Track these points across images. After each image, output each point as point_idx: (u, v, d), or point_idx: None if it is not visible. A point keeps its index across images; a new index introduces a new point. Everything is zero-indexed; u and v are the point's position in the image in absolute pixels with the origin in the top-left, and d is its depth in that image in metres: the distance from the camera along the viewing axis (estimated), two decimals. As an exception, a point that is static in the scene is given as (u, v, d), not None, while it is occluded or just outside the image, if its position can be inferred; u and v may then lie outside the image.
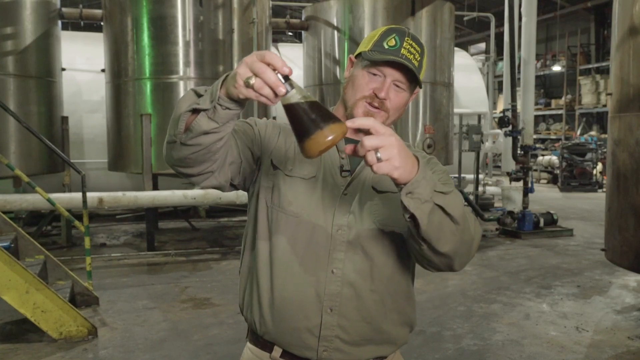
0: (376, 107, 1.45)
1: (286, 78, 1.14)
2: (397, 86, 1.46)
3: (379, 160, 1.14)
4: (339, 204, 1.47)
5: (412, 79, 1.46)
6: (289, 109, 1.16)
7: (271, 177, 1.51)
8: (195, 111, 1.25)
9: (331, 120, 1.15)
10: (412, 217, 1.24)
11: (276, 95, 1.15)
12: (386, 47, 1.44)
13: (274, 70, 1.14)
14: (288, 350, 1.51)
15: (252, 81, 1.14)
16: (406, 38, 1.45)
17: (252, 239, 1.56)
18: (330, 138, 1.14)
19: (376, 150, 1.14)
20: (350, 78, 1.50)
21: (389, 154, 1.15)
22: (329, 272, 1.46)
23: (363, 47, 1.49)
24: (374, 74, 1.45)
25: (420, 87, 1.52)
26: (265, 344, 1.54)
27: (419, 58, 1.46)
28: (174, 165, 1.39)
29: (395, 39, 1.44)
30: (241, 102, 1.23)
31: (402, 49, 1.43)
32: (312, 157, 1.18)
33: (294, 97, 1.15)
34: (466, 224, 1.31)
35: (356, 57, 1.52)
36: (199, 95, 1.27)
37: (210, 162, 1.36)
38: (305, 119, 1.15)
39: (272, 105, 1.17)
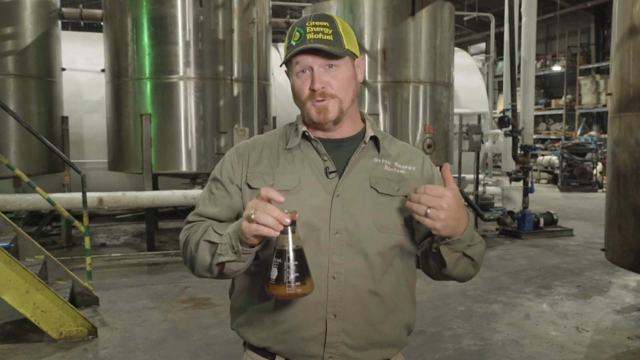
0: (321, 100, 1.45)
1: (293, 223, 1.24)
2: (329, 66, 1.45)
3: (426, 215, 1.29)
4: (334, 207, 1.44)
5: (340, 53, 1.45)
6: (281, 252, 1.26)
7: (253, 196, 1.48)
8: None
9: (308, 279, 1.28)
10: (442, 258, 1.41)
11: (279, 226, 1.23)
12: (294, 43, 1.45)
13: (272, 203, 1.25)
14: None
15: (253, 216, 1.23)
16: (307, 23, 1.46)
17: None
18: (295, 292, 1.26)
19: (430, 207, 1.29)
20: (291, 88, 1.52)
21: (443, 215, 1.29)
22: (330, 277, 1.43)
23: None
24: (302, 72, 1.46)
25: (356, 53, 1.51)
26: (267, 353, 1.51)
27: (329, 31, 1.45)
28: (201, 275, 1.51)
29: (298, 32, 1.46)
30: (260, 241, 1.32)
31: (307, 35, 1.44)
32: (269, 295, 1.29)
33: (293, 243, 1.26)
34: (481, 261, 1.48)
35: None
36: (213, 242, 1.39)
37: None
38: (291, 267, 1.25)
39: (273, 236, 1.25)
